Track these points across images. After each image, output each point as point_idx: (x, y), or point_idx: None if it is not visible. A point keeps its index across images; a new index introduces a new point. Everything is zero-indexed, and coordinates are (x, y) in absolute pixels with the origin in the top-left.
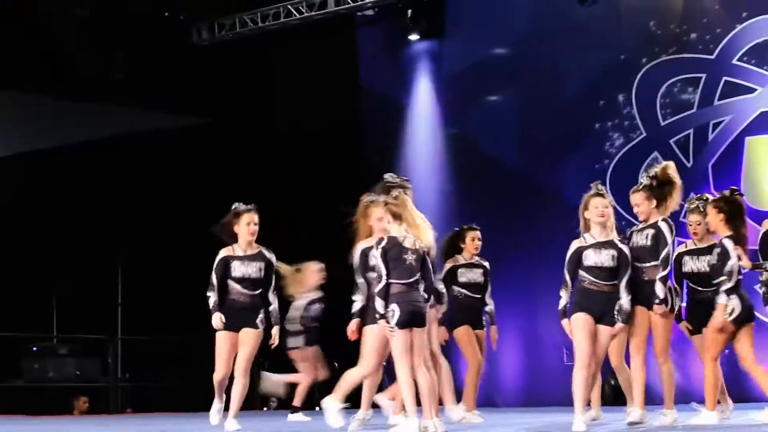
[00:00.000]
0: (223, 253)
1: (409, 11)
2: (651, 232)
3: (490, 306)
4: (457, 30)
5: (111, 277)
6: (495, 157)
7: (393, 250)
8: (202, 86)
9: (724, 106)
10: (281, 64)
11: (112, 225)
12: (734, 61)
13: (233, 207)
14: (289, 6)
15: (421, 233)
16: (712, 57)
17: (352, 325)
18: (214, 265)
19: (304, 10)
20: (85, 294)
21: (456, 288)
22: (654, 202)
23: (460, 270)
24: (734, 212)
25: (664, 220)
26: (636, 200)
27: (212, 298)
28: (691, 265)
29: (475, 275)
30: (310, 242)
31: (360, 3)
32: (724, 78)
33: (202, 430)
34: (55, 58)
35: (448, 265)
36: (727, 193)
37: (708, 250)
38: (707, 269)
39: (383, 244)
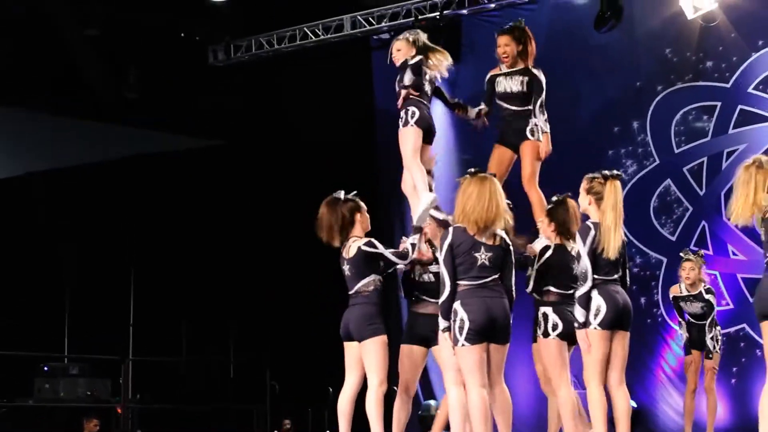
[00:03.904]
0: None
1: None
2: None
3: None
4: (473, 55)
5: (123, 297)
6: (508, 182)
7: None
8: (217, 107)
9: (739, 134)
10: (296, 86)
11: (124, 245)
12: (750, 90)
13: None
14: (305, 28)
15: None
16: (728, 85)
17: None
18: None
19: (320, 33)
20: (97, 314)
21: None
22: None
23: None
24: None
25: None
26: None
27: None
28: None
29: None
30: (322, 262)
31: (376, 26)
32: (740, 106)
33: None
34: (70, 78)
35: None
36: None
37: None
38: None
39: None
